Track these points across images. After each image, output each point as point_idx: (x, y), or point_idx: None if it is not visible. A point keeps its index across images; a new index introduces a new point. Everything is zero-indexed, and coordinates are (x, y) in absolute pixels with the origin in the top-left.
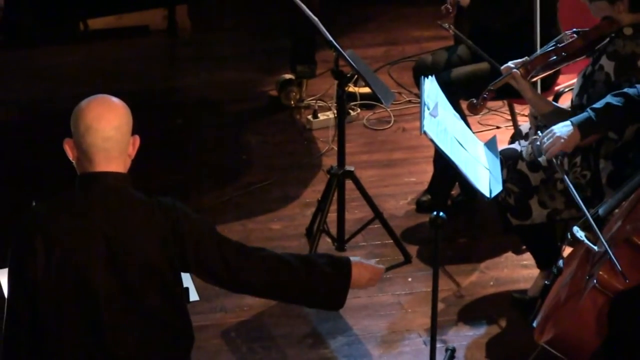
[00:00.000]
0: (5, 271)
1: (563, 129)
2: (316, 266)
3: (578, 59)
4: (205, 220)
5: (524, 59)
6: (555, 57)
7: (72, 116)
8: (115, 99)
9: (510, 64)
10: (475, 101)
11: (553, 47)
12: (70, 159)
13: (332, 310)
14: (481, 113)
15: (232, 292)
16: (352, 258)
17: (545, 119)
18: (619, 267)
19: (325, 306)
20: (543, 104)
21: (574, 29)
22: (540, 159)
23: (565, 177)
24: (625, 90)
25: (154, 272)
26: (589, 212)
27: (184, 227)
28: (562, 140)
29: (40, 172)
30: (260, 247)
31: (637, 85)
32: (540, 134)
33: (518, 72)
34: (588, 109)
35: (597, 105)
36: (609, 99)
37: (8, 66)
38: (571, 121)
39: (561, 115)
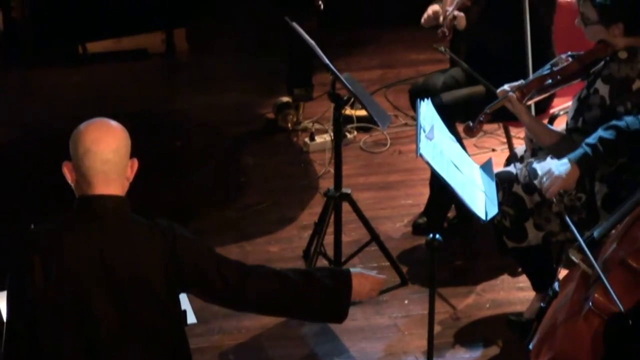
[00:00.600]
0: (4, 294)
1: (561, 167)
2: (316, 279)
3: (573, 82)
4: (203, 241)
5: (519, 82)
6: (550, 81)
7: (71, 139)
8: (113, 122)
9: (506, 87)
10: (471, 124)
11: (549, 71)
12: (69, 182)
13: (335, 322)
14: (477, 136)
15: (231, 314)
16: (352, 269)
17: (550, 150)
18: (613, 293)
19: (328, 319)
20: (539, 127)
21: (569, 53)
22: (535, 182)
23: (566, 217)
24: (614, 123)
25: (151, 294)
26: (583, 235)
27: (182, 249)
28: (561, 180)
29: (39, 194)
30: (259, 264)
31: (626, 118)
32: (536, 165)
33: (514, 95)
34: (583, 144)
35: (591, 140)
36: (600, 132)
37: (8, 87)
38: (569, 158)
39: (563, 142)
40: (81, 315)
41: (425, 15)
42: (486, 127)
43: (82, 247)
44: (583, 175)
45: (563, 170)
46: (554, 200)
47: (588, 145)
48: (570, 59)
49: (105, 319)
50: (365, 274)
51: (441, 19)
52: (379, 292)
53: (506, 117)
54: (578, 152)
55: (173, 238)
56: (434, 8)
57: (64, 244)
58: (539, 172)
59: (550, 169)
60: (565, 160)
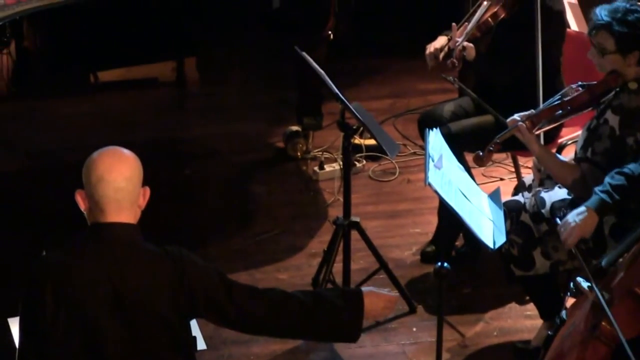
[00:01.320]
0: (17, 320)
1: (577, 217)
2: (327, 300)
3: (583, 112)
4: (213, 267)
5: (529, 111)
6: (561, 111)
7: (84, 168)
8: (126, 151)
9: (516, 116)
10: (481, 153)
11: (559, 101)
12: (82, 209)
13: (347, 342)
14: (487, 165)
15: (240, 340)
16: (363, 288)
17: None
18: (616, 325)
19: (341, 339)
20: (548, 157)
21: (580, 83)
22: (543, 211)
23: (579, 255)
24: (619, 170)
25: (161, 322)
26: (591, 264)
27: (192, 275)
28: (579, 228)
29: (51, 221)
30: (269, 288)
31: (628, 165)
32: (544, 194)
33: (524, 124)
34: (597, 192)
35: (603, 187)
36: (609, 180)
37: (19, 116)
38: (586, 206)
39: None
40: (91, 343)
41: (427, 52)
42: (494, 156)
43: (93, 275)
44: (601, 218)
45: (580, 220)
46: (573, 250)
47: (603, 192)
48: (580, 89)
49: (116, 346)
50: (377, 292)
51: (441, 55)
52: (392, 310)
53: (515, 147)
54: (595, 199)
55: (183, 266)
56: (435, 45)
57: (75, 271)
58: (547, 202)
59: (567, 219)
60: (582, 209)
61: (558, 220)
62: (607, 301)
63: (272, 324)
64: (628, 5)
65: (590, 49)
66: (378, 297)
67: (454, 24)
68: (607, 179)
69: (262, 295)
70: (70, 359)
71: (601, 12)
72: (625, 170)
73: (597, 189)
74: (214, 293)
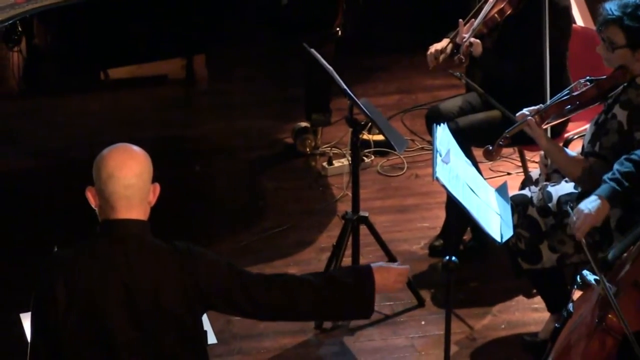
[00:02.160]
0: (29, 315)
1: (590, 204)
2: (338, 280)
3: (591, 107)
4: (224, 260)
5: (538, 106)
6: (570, 106)
7: (94, 165)
8: (136, 148)
9: (525, 111)
10: (490, 148)
11: (567, 96)
12: (93, 206)
13: (362, 318)
14: (496, 159)
15: (250, 335)
16: (373, 264)
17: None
18: (622, 317)
19: (355, 316)
20: (556, 151)
21: (588, 77)
22: (550, 205)
23: (585, 247)
24: (627, 156)
25: (172, 317)
26: (598, 257)
27: (203, 271)
28: (592, 217)
29: (61, 217)
30: (279, 273)
31: (636, 152)
32: (551, 188)
33: (533, 119)
34: (606, 180)
35: (612, 175)
36: (617, 167)
37: (30, 114)
38: (597, 195)
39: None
40: (103, 339)
41: (428, 52)
42: (501, 152)
43: (104, 271)
44: (613, 207)
45: (593, 208)
46: (583, 241)
47: (612, 180)
48: (588, 84)
49: (127, 342)
50: (387, 267)
51: (441, 57)
52: (404, 283)
53: (523, 141)
54: (605, 187)
55: (193, 262)
56: (437, 46)
57: (86, 268)
58: (554, 196)
59: (579, 208)
60: (593, 197)
61: (570, 209)
62: (614, 294)
63: (287, 310)
64: (637, 1)
65: (600, 43)
66: (388, 271)
67: (460, 20)
68: (616, 166)
69: (275, 283)
70: (82, 355)
71: (611, 7)
72: (634, 156)
73: (606, 177)
74: (226, 287)
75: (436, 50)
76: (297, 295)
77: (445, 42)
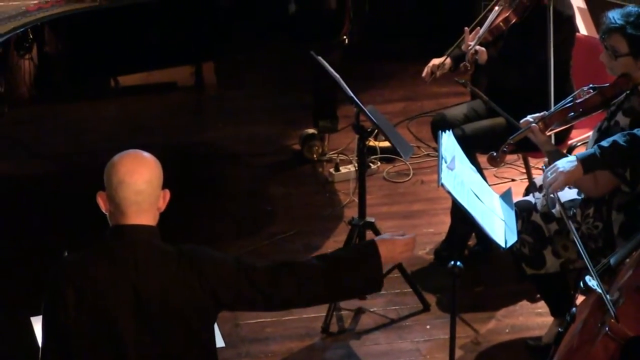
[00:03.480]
0: (40, 318)
1: (567, 164)
2: (345, 261)
3: (594, 114)
4: (229, 256)
5: (542, 113)
6: (573, 113)
7: (105, 170)
8: (146, 154)
9: (529, 118)
10: (495, 154)
11: (571, 103)
12: (103, 211)
13: (373, 292)
14: (500, 165)
15: (257, 338)
16: (377, 237)
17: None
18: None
19: (366, 292)
20: (560, 158)
21: (591, 85)
22: (553, 211)
23: (570, 223)
24: (633, 131)
25: (181, 320)
26: (600, 262)
27: (210, 272)
28: (564, 175)
29: (73, 222)
30: (285, 261)
31: None
32: (554, 195)
33: (537, 126)
34: (595, 146)
35: (604, 143)
36: (617, 137)
37: (42, 120)
38: (576, 156)
39: None
40: (112, 343)
41: (427, 66)
42: (506, 158)
43: (114, 276)
44: (586, 172)
45: (568, 167)
46: (556, 195)
47: (600, 147)
48: (591, 92)
49: (136, 347)
50: (391, 239)
51: (438, 72)
52: (411, 252)
53: (526, 148)
54: (588, 151)
55: (199, 265)
56: (435, 62)
57: (96, 272)
58: (556, 199)
59: (556, 164)
60: (572, 158)
61: (573, 214)
62: (616, 299)
63: (298, 298)
64: None
65: (603, 51)
66: (394, 243)
67: (466, 28)
68: (617, 135)
69: (283, 272)
70: (93, 357)
71: (614, 16)
72: (637, 132)
73: (600, 143)
74: (235, 283)
75: (434, 65)
76: (306, 281)
77: (443, 58)
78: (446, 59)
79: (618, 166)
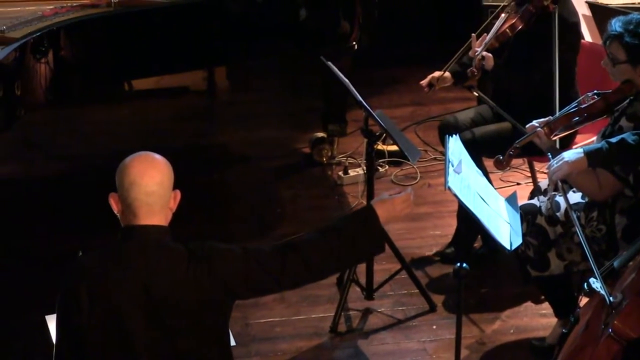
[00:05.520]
0: (54, 317)
1: (573, 155)
2: (344, 229)
3: (598, 119)
4: (235, 246)
5: (547, 118)
6: (577, 118)
7: (117, 172)
8: (157, 156)
9: (535, 123)
10: (501, 158)
11: (575, 108)
12: (115, 212)
13: (376, 254)
14: (506, 169)
15: (267, 338)
16: (375, 199)
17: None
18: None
19: (371, 256)
20: None
21: (595, 91)
22: (558, 214)
23: (577, 222)
24: None
25: (193, 319)
26: (603, 265)
27: (220, 265)
28: (568, 165)
29: (87, 223)
30: (290, 240)
31: None
32: (559, 198)
33: (542, 131)
34: (604, 141)
35: (613, 139)
36: (626, 135)
37: (57, 123)
38: (583, 149)
39: None
40: (124, 341)
41: (425, 80)
42: (512, 162)
43: (126, 275)
44: (590, 165)
45: (573, 158)
46: (560, 184)
47: (607, 142)
48: (596, 97)
49: (147, 346)
50: (388, 199)
51: (437, 86)
52: (410, 206)
53: (532, 152)
54: (595, 145)
55: (208, 262)
56: (435, 75)
57: (108, 272)
58: (562, 206)
59: (562, 155)
60: (579, 150)
61: (576, 217)
62: (619, 301)
63: (307, 275)
64: None
65: (605, 58)
66: (392, 202)
67: (473, 34)
68: (626, 134)
69: (290, 254)
70: (105, 356)
71: (615, 23)
72: None
73: (607, 139)
74: (245, 271)
75: (433, 78)
76: (311, 257)
77: (442, 72)
78: (444, 73)
79: (623, 164)
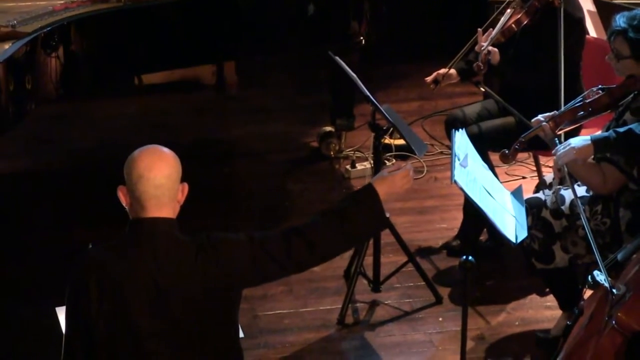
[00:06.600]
0: (64, 309)
1: (580, 142)
2: (346, 209)
3: (603, 114)
4: (241, 235)
5: (552, 112)
6: (582, 112)
7: (126, 165)
8: (165, 149)
9: (540, 117)
10: (507, 152)
11: (580, 103)
12: (124, 205)
13: (379, 231)
14: (511, 163)
15: (275, 329)
16: (375, 177)
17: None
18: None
19: (374, 233)
20: None
21: (600, 86)
22: (562, 207)
23: (583, 214)
24: None
25: (201, 310)
26: (607, 258)
27: (227, 255)
28: (574, 151)
29: (97, 215)
30: (294, 226)
31: None
32: (564, 192)
33: (547, 125)
34: (611, 130)
35: (620, 129)
36: (633, 126)
37: (68, 117)
38: (590, 136)
39: None
40: (131, 332)
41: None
42: (517, 156)
43: (134, 267)
44: (596, 153)
45: (580, 144)
46: (565, 169)
47: (615, 132)
48: (600, 92)
49: (155, 338)
50: (388, 176)
51: (442, 83)
52: (411, 181)
53: (537, 147)
54: (602, 134)
55: (216, 251)
56: (440, 71)
57: (117, 264)
58: (567, 199)
59: (570, 141)
60: (587, 137)
61: (582, 211)
62: (623, 293)
63: (312, 258)
64: None
65: (609, 53)
66: (392, 179)
67: (479, 29)
68: (632, 125)
69: (294, 239)
70: (114, 347)
71: (620, 19)
72: None
73: (615, 129)
74: (251, 259)
75: (438, 74)
76: (316, 240)
77: (447, 69)
78: (449, 70)
79: (628, 154)
